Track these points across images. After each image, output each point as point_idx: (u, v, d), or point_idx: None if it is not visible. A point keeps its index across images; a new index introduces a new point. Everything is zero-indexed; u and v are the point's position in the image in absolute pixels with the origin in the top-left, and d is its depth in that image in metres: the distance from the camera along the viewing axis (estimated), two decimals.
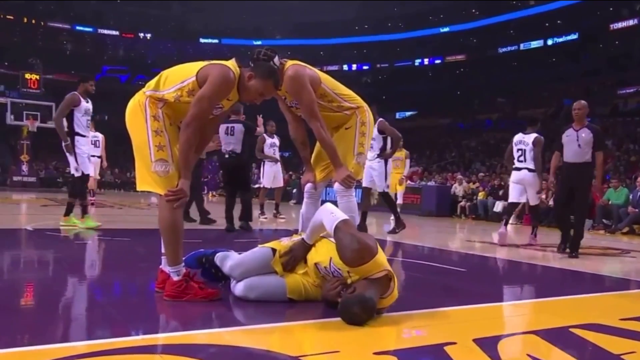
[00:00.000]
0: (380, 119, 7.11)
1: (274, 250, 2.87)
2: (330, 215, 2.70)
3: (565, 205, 6.04)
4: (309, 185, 3.63)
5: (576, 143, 5.77)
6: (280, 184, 10.34)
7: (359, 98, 3.59)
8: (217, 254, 3.09)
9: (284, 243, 2.92)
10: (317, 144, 3.59)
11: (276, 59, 3.22)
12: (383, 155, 7.51)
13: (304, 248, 2.84)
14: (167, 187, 2.73)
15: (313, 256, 2.79)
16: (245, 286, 2.78)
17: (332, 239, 2.68)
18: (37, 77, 24.57)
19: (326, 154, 3.42)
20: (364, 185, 7.66)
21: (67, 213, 6.67)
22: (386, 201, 7.74)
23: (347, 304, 2.42)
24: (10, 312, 2.51)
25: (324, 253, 2.73)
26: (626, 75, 31.52)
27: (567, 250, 5.91)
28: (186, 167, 2.76)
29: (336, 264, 2.62)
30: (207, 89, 2.71)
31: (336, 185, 3.47)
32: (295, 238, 2.97)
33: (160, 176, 2.75)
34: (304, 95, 3.27)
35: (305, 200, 3.69)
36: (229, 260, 2.94)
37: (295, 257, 2.83)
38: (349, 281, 2.57)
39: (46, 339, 2.06)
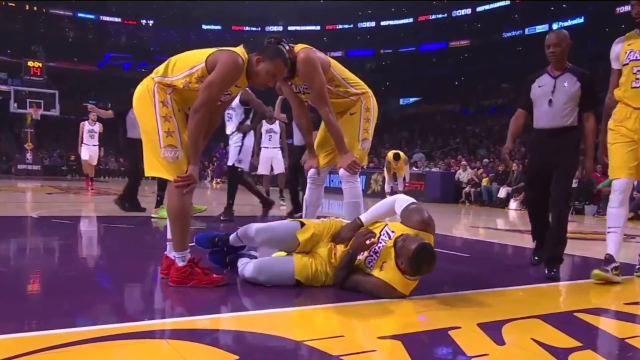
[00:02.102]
0: (247, 89, 6.17)
1: (302, 224, 2.93)
2: (406, 201, 2.89)
3: (541, 197, 3.91)
4: (312, 170, 3.63)
5: (552, 97, 3.69)
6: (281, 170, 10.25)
7: (363, 84, 3.57)
8: (237, 232, 3.10)
9: (314, 221, 3.00)
10: (320, 129, 3.58)
11: (284, 41, 3.20)
12: (241, 128, 6.68)
13: (354, 228, 2.90)
14: (176, 173, 2.74)
15: None
16: (255, 267, 2.81)
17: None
18: (40, 64, 24.50)
19: (333, 139, 3.41)
20: (228, 164, 6.89)
21: (158, 205, 6.56)
22: (230, 179, 6.94)
23: (431, 249, 2.68)
24: (17, 298, 2.52)
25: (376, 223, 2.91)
26: None
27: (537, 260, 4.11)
28: (195, 153, 2.77)
29: (391, 227, 2.80)
30: (216, 75, 2.71)
31: (341, 171, 3.46)
32: (325, 219, 3.05)
33: (169, 162, 2.75)
34: (316, 78, 3.24)
35: (308, 185, 3.68)
36: (254, 226, 2.98)
37: (339, 236, 2.91)
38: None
39: (52, 324, 2.08)
